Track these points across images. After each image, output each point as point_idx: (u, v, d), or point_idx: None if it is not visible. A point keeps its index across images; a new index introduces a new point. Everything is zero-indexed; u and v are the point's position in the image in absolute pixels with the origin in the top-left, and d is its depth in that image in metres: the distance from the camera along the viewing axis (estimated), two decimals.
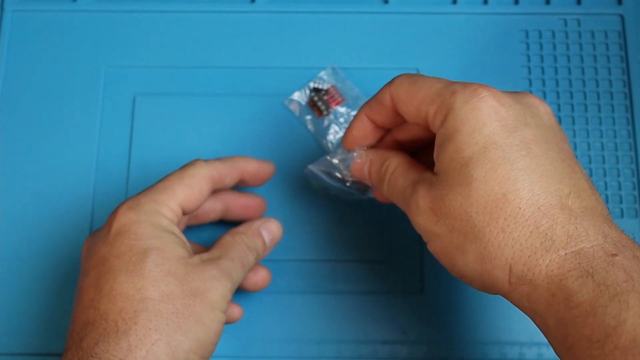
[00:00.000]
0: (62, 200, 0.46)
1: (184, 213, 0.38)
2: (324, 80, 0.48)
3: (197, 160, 0.39)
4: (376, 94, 0.36)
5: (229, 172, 0.40)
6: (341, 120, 0.47)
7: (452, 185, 0.31)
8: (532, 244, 0.29)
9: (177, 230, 0.36)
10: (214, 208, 0.42)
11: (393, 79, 0.35)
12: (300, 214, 0.45)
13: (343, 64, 0.49)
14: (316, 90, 0.48)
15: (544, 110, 0.33)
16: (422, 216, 0.32)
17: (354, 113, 0.47)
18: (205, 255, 0.36)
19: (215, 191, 0.40)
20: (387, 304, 0.44)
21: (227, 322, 0.40)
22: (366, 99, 0.47)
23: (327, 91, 0.48)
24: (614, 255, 0.28)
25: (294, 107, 0.48)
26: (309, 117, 0.48)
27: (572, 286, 0.27)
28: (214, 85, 0.48)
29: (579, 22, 0.50)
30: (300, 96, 0.48)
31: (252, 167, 0.41)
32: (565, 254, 0.28)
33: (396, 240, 0.45)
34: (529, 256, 0.29)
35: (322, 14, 0.50)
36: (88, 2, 0.50)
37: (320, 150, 0.47)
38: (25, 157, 0.47)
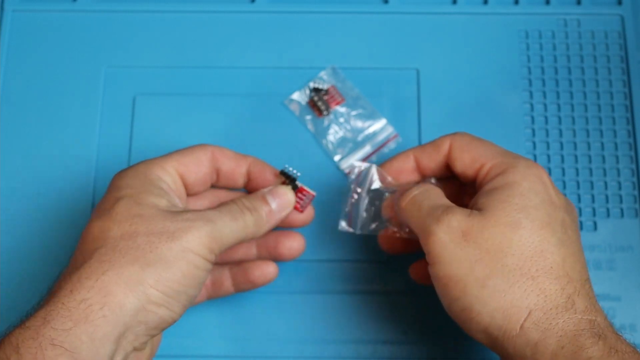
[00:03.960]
0: (62, 199, 0.46)
1: (186, 184, 0.38)
2: (324, 80, 0.48)
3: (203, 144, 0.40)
4: (432, 141, 0.40)
5: (233, 156, 0.40)
6: (341, 120, 0.47)
7: (497, 224, 0.33)
8: (556, 300, 0.32)
9: (165, 186, 0.37)
10: (237, 164, 0.40)
11: (454, 133, 0.39)
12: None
13: (343, 64, 0.49)
14: (316, 90, 0.48)
15: (576, 213, 0.37)
16: (450, 236, 0.33)
17: (354, 113, 0.47)
18: (191, 209, 0.37)
19: (238, 153, 0.40)
20: (387, 304, 0.44)
21: (262, 281, 0.41)
22: (366, 99, 0.48)
23: (327, 91, 0.48)
24: (621, 334, 0.32)
25: (294, 107, 0.48)
26: (309, 117, 0.48)
27: (585, 342, 0.31)
28: (214, 85, 0.48)
29: (579, 22, 0.50)
30: (300, 96, 0.48)
31: (258, 165, 0.40)
32: (582, 318, 0.32)
33: None
34: (550, 308, 0.32)
35: (322, 14, 0.50)
36: (88, 2, 0.50)
37: (320, 150, 0.47)
38: (25, 157, 0.47)
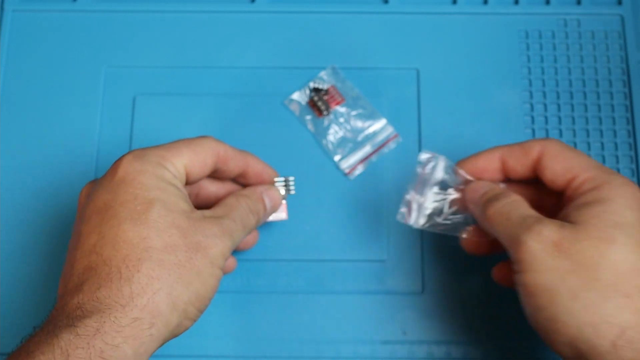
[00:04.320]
0: (62, 200, 0.46)
1: (188, 180, 0.38)
2: (324, 80, 0.48)
3: (208, 136, 0.39)
4: (522, 143, 0.39)
5: (235, 157, 0.40)
6: (341, 120, 0.47)
7: (591, 237, 0.33)
8: None
9: (180, 185, 0.36)
10: (237, 165, 0.41)
11: (545, 138, 0.39)
12: (300, 213, 0.45)
13: (343, 64, 0.49)
14: (316, 90, 0.48)
15: None
16: (541, 245, 0.33)
17: (354, 113, 0.47)
18: (208, 212, 0.37)
19: (240, 152, 0.41)
20: (387, 304, 0.44)
21: (244, 247, 0.43)
22: (366, 99, 0.47)
23: (327, 91, 0.48)
24: None
25: (294, 107, 0.48)
26: (309, 117, 0.48)
27: None
28: (214, 85, 0.48)
29: (579, 22, 0.50)
30: (300, 96, 0.48)
31: (258, 165, 0.41)
32: None
33: (396, 240, 0.45)
34: None
35: (322, 14, 0.50)
36: (88, 2, 0.50)
37: (320, 150, 0.47)
38: (25, 157, 0.47)
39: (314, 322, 0.44)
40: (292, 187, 0.43)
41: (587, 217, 0.34)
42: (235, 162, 0.40)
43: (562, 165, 0.37)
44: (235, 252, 0.43)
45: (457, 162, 0.40)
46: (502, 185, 0.40)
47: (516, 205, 0.36)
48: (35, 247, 0.45)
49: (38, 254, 0.45)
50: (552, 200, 0.39)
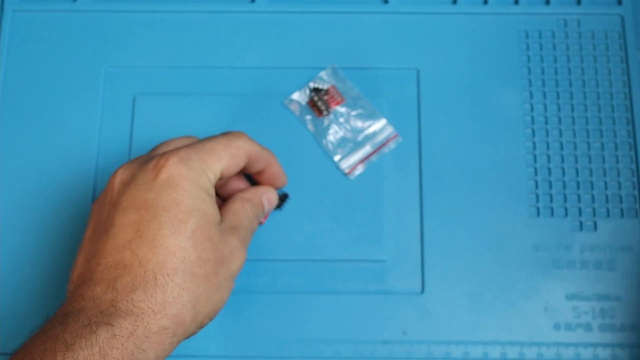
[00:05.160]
0: (62, 200, 0.46)
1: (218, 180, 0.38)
2: (324, 80, 0.48)
3: (241, 132, 0.39)
4: None
5: (261, 158, 0.40)
6: (341, 120, 0.47)
7: None
8: None
9: (213, 192, 0.37)
10: (260, 165, 0.41)
11: None
12: (300, 213, 0.45)
13: (343, 64, 0.49)
14: (316, 90, 0.48)
15: None
16: None
17: (354, 113, 0.47)
18: (226, 222, 0.37)
19: (266, 152, 0.41)
20: (387, 304, 0.44)
21: None
22: (366, 99, 0.48)
23: (327, 91, 0.48)
24: None
25: (294, 107, 0.48)
26: (309, 117, 0.48)
27: None
28: (214, 85, 0.48)
29: (579, 22, 0.50)
30: (300, 96, 0.48)
31: (276, 168, 0.42)
32: None
33: (396, 240, 0.45)
34: None
35: (322, 14, 0.50)
36: (88, 2, 0.50)
37: (320, 150, 0.47)
38: (24, 157, 0.47)
39: (314, 322, 0.44)
40: (282, 205, 0.44)
41: None
42: (260, 163, 0.41)
43: None
44: None
45: None
46: None
47: None
48: (35, 247, 0.45)
49: (38, 253, 0.45)
50: None
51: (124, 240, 0.34)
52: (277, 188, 0.43)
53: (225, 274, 0.35)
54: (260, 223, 0.44)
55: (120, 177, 0.36)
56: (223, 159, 0.37)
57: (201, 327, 0.35)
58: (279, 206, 0.44)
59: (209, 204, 0.36)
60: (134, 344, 0.31)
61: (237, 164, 0.38)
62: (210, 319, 0.36)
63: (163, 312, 0.32)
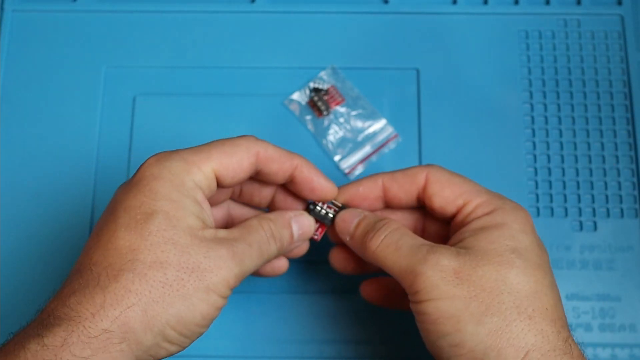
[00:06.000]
0: (62, 200, 0.46)
1: (220, 184, 0.35)
2: (324, 80, 0.48)
3: (249, 135, 0.36)
4: (405, 169, 0.38)
5: (279, 159, 0.36)
6: (341, 120, 0.47)
7: (490, 262, 0.33)
8: (554, 342, 0.32)
9: (201, 197, 0.34)
10: (281, 168, 0.37)
11: (428, 165, 0.38)
12: None
13: (343, 64, 0.49)
14: (316, 90, 0.48)
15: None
16: (440, 274, 0.33)
17: (354, 113, 0.47)
18: (222, 232, 0.34)
19: (286, 154, 0.37)
20: None
21: (270, 275, 0.39)
22: (366, 99, 0.47)
23: (327, 91, 0.48)
24: None
25: (294, 107, 0.48)
26: (309, 117, 0.48)
27: None
28: (214, 85, 0.48)
29: (579, 22, 0.50)
30: (300, 96, 0.48)
31: (307, 171, 0.37)
32: None
33: None
34: (548, 350, 0.31)
35: (322, 14, 0.50)
36: (88, 2, 0.50)
37: (320, 150, 0.47)
38: (25, 157, 0.47)
39: (314, 322, 0.44)
40: (332, 220, 0.38)
41: (483, 243, 0.34)
42: (279, 165, 0.36)
43: (452, 191, 0.37)
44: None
45: (339, 187, 0.39)
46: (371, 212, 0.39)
47: (400, 234, 0.36)
48: (35, 247, 0.45)
49: (38, 253, 0.45)
50: (434, 226, 0.39)
51: (87, 246, 0.33)
52: (321, 200, 0.38)
53: (196, 283, 0.31)
54: (316, 239, 0.39)
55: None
56: (213, 156, 0.34)
57: (168, 340, 0.31)
58: (329, 222, 0.39)
59: (181, 206, 0.33)
60: (70, 352, 0.29)
61: (237, 163, 0.35)
62: (180, 333, 0.32)
63: (102, 314, 0.30)
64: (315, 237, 0.39)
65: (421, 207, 0.39)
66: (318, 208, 0.39)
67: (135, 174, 0.34)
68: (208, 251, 0.32)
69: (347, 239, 0.38)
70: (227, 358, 0.43)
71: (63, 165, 0.47)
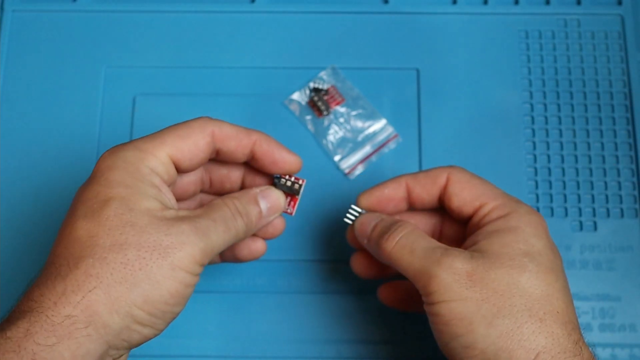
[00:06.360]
0: (62, 200, 0.46)
1: (180, 169, 0.35)
2: (324, 80, 0.48)
3: (203, 116, 0.36)
4: (428, 170, 0.39)
5: (237, 136, 0.37)
6: (341, 120, 0.47)
7: (503, 266, 0.34)
8: (565, 344, 0.32)
9: (159, 181, 0.34)
10: (240, 144, 0.37)
11: (451, 166, 0.39)
12: (300, 213, 0.45)
13: (343, 64, 0.49)
14: (316, 90, 0.48)
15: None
16: (454, 277, 0.33)
17: (354, 113, 0.47)
18: (183, 212, 0.34)
19: (243, 130, 0.37)
20: None
21: (249, 259, 0.39)
22: (366, 99, 0.47)
23: (327, 91, 0.48)
24: None
25: (294, 107, 0.48)
26: (309, 117, 0.48)
27: None
28: (214, 85, 0.48)
29: (579, 22, 0.50)
30: (300, 96, 0.48)
31: (267, 145, 0.37)
32: None
33: None
34: (558, 352, 0.32)
35: (322, 14, 0.50)
36: (88, 2, 0.50)
37: (320, 151, 0.47)
38: (25, 157, 0.47)
39: (314, 322, 0.44)
40: (298, 190, 0.39)
41: (497, 246, 0.34)
42: (237, 142, 0.37)
43: (470, 193, 0.37)
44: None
45: (361, 192, 0.39)
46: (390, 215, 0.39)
47: (415, 236, 0.36)
48: (35, 247, 0.45)
49: (38, 253, 0.45)
50: (453, 228, 0.39)
51: (53, 245, 0.33)
52: (288, 172, 0.38)
53: (159, 261, 0.31)
54: (289, 213, 0.39)
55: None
56: (167, 142, 0.34)
57: (138, 321, 0.31)
58: (297, 193, 0.39)
59: (138, 190, 0.33)
60: (34, 342, 0.29)
61: (193, 145, 0.35)
62: (149, 313, 0.31)
63: (64, 301, 0.30)
64: (289, 211, 0.39)
65: (440, 209, 0.40)
66: (283, 180, 0.38)
67: (94, 167, 0.34)
68: (169, 229, 0.32)
69: (365, 241, 0.38)
70: (227, 358, 0.43)
71: (63, 165, 0.47)
